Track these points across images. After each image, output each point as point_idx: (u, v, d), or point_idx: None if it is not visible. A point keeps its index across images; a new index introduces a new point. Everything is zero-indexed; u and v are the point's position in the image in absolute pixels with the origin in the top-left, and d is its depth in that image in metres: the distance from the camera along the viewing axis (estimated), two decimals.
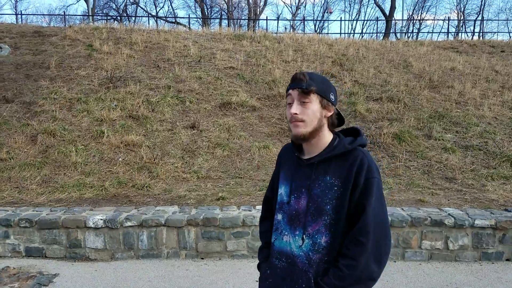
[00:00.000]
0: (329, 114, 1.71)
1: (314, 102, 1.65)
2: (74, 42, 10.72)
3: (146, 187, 5.99)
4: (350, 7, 60.95)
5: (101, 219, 4.68)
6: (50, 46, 10.43)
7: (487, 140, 7.57)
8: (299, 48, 11.57)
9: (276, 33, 15.68)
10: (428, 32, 43.79)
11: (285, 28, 41.03)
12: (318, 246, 1.66)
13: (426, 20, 48.89)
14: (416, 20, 40.81)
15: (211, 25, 34.10)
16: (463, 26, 37.89)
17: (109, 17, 33.49)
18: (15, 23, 17.43)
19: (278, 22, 42.60)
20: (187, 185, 6.13)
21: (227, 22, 36.77)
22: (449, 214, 4.88)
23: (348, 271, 1.57)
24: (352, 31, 38.55)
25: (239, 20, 36.13)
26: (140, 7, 39.49)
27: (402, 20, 29.79)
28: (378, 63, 10.80)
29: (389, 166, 6.93)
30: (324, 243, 1.65)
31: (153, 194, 5.80)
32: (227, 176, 6.50)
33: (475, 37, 27.57)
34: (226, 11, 38.71)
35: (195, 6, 40.82)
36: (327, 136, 1.73)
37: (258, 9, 37.81)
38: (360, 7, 42.40)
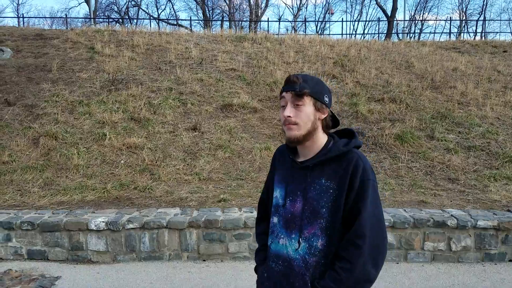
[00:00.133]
0: (323, 116, 1.70)
1: (308, 105, 1.65)
2: (76, 45, 10.74)
3: (148, 189, 5.99)
4: (352, 8, 60.97)
5: (103, 222, 4.68)
6: (52, 49, 10.46)
7: (489, 140, 7.55)
8: (300, 50, 11.56)
9: (278, 34, 15.70)
10: (430, 33, 43.78)
11: (287, 30, 41.11)
12: (314, 249, 1.65)
13: (428, 20, 48.82)
14: (418, 20, 40.79)
15: (212, 27, 34.13)
16: (465, 26, 37.83)
17: (111, 20, 33.56)
18: (17, 26, 17.48)
19: (279, 24, 42.57)
20: (189, 187, 6.13)
21: (228, 24, 36.84)
22: (451, 215, 4.87)
23: (345, 273, 1.57)
24: (354, 32, 38.52)
25: (240, 22, 36.18)
26: (142, 9, 39.66)
27: (404, 20, 29.79)
28: (379, 64, 10.78)
29: (391, 167, 6.92)
30: (321, 246, 1.65)
31: (155, 196, 5.81)
32: (229, 178, 6.50)
33: (477, 37, 27.55)
34: (228, 13, 38.77)
35: (196, 8, 40.95)
36: (321, 138, 1.72)
37: (260, 11, 37.84)
38: (361, 7, 42.27)
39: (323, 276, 1.63)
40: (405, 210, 5.08)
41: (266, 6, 38.73)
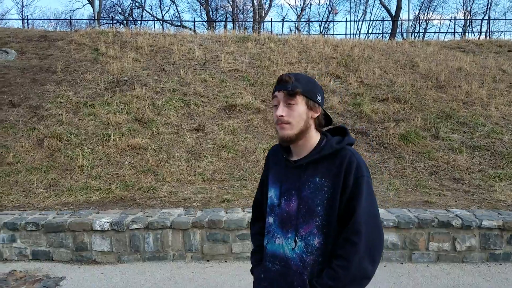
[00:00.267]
0: (316, 115, 1.70)
1: (300, 104, 1.66)
2: (80, 46, 10.78)
3: (152, 189, 6.00)
4: (356, 7, 60.80)
5: (107, 222, 4.69)
6: (56, 51, 10.51)
7: (494, 140, 7.51)
8: (304, 50, 11.55)
9: (281, 35, 15.68)
10: (434, 32, 43.57)
11: (290, 30, 41.12)
12: (311, 247, 1.65)
13: (433, 20, 48.66)
14: (423, 20, 40.64)
15: (216, 28, 34.19)
16: (470, 25, 37.65)
17: (115, 21, 33.70)
18: (22, 28, 17.58)
19: (283, 24, 42.61)
20: (193, 187, 6.14)
21: (232, 24, 36.85)
22: (456, 215, 4.84)
23: (342, 271, 1.58)
24: (358, 32, 38.46)
25: (244, 23, 36.19)
26: (146, 11, 39.77)
27: (408, 20, 29.66)
28: (384, 64, 10.75)
29: (396, 167, 6.89)
30: (317, 244, 1.65)
31: (159, 196, 5.82)
32: (232, 178, 6.50)
33: (482, 37, 27.37)
34: (231, 13, 38.81)
35: (200, 9, 41.03)
36: (314, 137, 1.73)
37: (263, 11, 37.86)
38: (365, 7, 42.24)
39: (321, 275, 1.63)
40: (409, 211, 5.06)
41: (270, 6, 38.84)
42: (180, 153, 7.07)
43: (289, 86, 1.64)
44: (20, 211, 5.22)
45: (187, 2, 64.95)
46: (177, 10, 45.42)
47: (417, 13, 40.24)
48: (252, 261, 1.94)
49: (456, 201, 5.66)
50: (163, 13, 41.92)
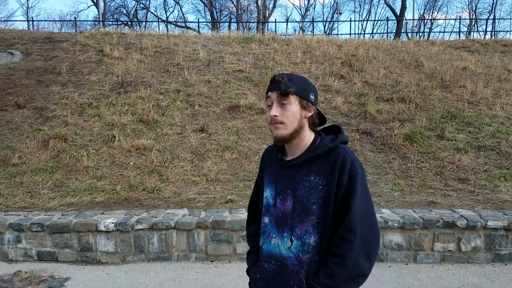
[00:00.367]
0: (310, 114, 1.71)
1: (294, 104, 1.66)
2: (85, 48, 10.83)
3: (157, 190, 6.02)
4: (360, 7, 60.58)
5: (112, 223, 4.71)
6: (61, 52, 10.56)
7: (499, 140, 7.47)
8: (308, 50, 11.54)
9: (285, 35, 15.67)
10: (439, 32, 43.45)
11: (294, 30, 41.08)
12: (307, 246, 1.66)
13: (438, 19, 48.55)
14: (427, 19, 40.51)
15: (220, 28, 34.23)
16: (475, 25, 37.49)
17: (119, 23, 33.83)
18: (27, 29, 17.68)
19: (287, 24, 42.63)
20: (197, 188, 6.15)
21: (236, 25, 36.91)
22: (461, 215, 4.82)
23: (338, 269, 1.58)
24: (362, 32, 38.36)
25: (248, 23, 36.22)
26: (151, 12, 39.90)
27: (413, 19, 29.59)
28: (388, 63, 10.72)
29: (401, 167, 6.87)
30: (313, 243, 1.65)
31: (164, 197, 5.83)
32: (236, 179, 6.50)
33: (487, 36, 27.21)
34: (235, 14, 38.87)
35: (204, 10, 41.17)
36: (308, 136, 1.73)
37: (267, 12, 37.87)
38: (370, 7, 42.04)
39: (317, 274, 1.63)
40: (414, 211, 5.04)
41: (274, 7, 38.87)
42: (184, 153, 7.08)
43: (282, 86, 1.65)
44: (25, 212, 5.25)
45: (192, 3, 65.12)
46: (182, 11, 45.78)
47: (422, 13, 40.11)
48: (247, 262, 1.95)
49: (461, 201, 5.63)
50: (168, 14, 42.11)
